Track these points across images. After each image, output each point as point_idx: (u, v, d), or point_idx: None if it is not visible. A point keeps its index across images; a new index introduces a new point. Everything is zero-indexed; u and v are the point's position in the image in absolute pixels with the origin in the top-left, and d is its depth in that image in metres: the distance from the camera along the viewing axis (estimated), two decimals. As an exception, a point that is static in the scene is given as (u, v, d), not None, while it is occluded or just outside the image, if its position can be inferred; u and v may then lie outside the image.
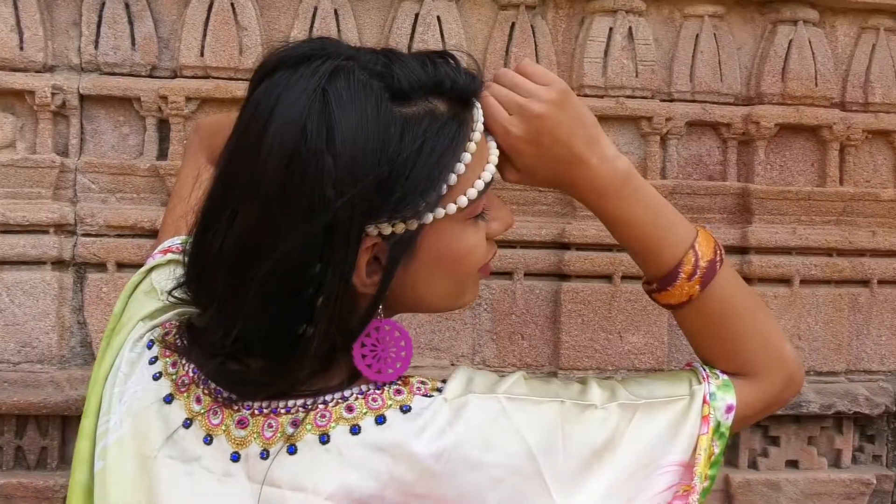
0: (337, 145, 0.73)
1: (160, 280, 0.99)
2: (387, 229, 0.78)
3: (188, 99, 1.72)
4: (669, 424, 0.86)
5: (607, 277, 1.79)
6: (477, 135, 0.82)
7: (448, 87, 0.80)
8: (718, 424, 0.88)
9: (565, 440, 0.81)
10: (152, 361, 0.88)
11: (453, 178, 0.80)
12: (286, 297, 0.77)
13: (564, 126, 0.86)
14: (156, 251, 1.09)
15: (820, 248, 1.85)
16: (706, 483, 0.87)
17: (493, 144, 0.86)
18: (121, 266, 1.74)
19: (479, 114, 0.84)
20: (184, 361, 0.86)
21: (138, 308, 0.96)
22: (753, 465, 1.86)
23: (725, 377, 0.92)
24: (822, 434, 1.88)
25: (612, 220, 0.92)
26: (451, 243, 0.83)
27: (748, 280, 1.83)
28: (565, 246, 1.79)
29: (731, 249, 1.83)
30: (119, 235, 1.72)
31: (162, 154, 1.75)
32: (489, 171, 0.84)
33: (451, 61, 0.83)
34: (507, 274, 1.79)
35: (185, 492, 0.80)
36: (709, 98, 1.84)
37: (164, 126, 1.75)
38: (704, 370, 0.93)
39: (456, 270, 0.85)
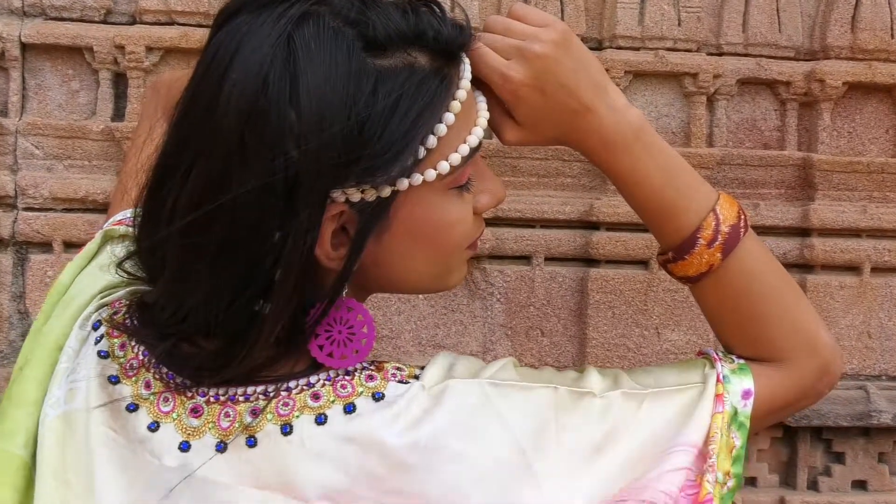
0: (301, 98, 0.72)
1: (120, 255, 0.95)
2: (355, 195, 0.76)
3: (149, 49, 1.59)
4: (681, 410, 0.85)
5: (643, 263, 1.67)
6: (462, 93, 0.80)
7: (431, 38, 0.78)
8: (736, 412, 0.86)
9: (559, 432, 0.80)
10: (98, 340, 0.87)
11: (433, 140, 0.78)
12: (242, 266, 0.76)
13: (569, 69, 0.85)
14: (107, 223, 1.04)
15: (895, 229, 1.72)
16: (731, 481, 0.85)
17: (482, 105, 0.85)
18: (69, 246, 1.58)
19: (466, 70, 0.82)
20: (133, 343, 0.85)
21: (91, 282, 0.94)
22: (814, 486, 1.74)
23: (741, 361, 0.91)
24: (895, 450, 1.75)
25: (623, 178, 0.90)
26: (430, 215, 0.82)
27: (809, 267, 1.72)
28: (594, 225, 1.68)
29: (789, 231, 1.72)
30: (67, 210, 1.59)
31: (118, 114, 1.62)
32: (476, 134, 0.82)
33: (437, 10, 0.81)
34: (525, 258, 1.67)
35: (122, 468, 0.79)
36: (765, 52, 1.71)
37: (120, 81, 1.62)
38: (717, 353, 0.92)
39: (436, 246, 0.84)
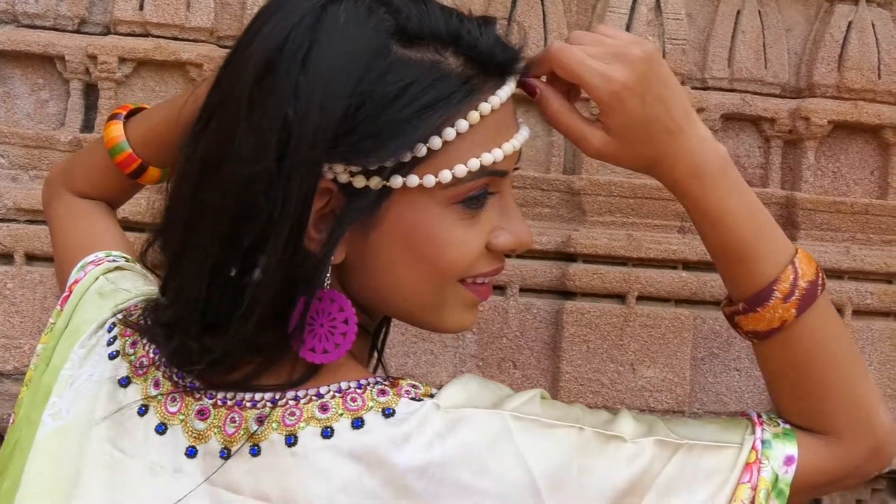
0: (311, 64, 0.74)
1: (119, 280, 0.96)
2: (343, 175, 0.76)
3: (122, 60, 1.57)
4: (714, 478, 0.81)
5: (619, 297, 1.66)
6: (487, 106, 0.78)
7: (465, 44, 0.78)
8: (776, 479, 0.83)
9: (581, 476, 0.77)
10: (110, 342, 0.87)
11: (437, 141, 0.76)
12: (231, 227, 0.75)
13: (664, 84, 0.83)
14: (79, 272, 0.99)
15: (877, 272, 1.71)
16: None
17: (520, 135, 0.83)
18: (31, 258, 1.56)
19: (505, 90, 0.81)
20: (145, 342, 0.85)
21: (96, 308, 0.93)
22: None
23: (787, 426, 0.87)
24: (873, 497, 1.76)
25: (708, 214, 0.86)
26: (423, 223, 0.79)
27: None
28: (570, 257, 1.66)
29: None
30: (31, 221, 1.56)
31: (87, 125, 1.61)
32: (495, 155, 0.79)
33: (484, 23, 0.81)
34: (499, 288, 1.65)
35: (122, 489, 0.79)
36: (750, 87, 1.72)
37: (91, 91, 1.61)
38: (760, 416, 0.88)
39: (424, 260, 0.80)
